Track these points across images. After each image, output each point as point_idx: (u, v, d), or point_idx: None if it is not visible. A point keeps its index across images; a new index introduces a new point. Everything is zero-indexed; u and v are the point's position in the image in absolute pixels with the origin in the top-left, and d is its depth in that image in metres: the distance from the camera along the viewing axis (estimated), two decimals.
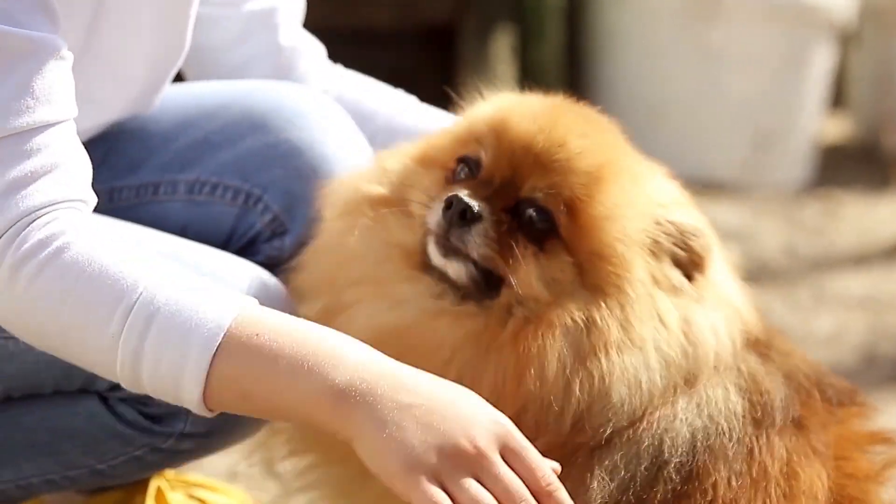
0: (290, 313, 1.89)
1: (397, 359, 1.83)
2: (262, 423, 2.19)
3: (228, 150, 2.36)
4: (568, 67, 6.14)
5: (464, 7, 5.95)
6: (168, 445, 2.18)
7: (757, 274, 4.91)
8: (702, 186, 5.63)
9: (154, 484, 2.55)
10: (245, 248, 2.34)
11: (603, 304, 1.95)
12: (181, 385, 1.79)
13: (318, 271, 2.13)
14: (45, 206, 1.86)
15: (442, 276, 2.01)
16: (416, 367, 1.83)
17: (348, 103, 2.52)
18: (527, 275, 1.97)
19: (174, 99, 2.46)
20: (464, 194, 1.97)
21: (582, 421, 1.92)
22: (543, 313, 1.95)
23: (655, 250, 2.00)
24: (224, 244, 2.33)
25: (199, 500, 2.65)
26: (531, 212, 1.99)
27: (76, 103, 1.95)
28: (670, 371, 1.96)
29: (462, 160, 2.07)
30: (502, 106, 2.10)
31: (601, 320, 1.94)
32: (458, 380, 1.86)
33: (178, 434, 2.17)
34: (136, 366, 1.81)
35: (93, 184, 2.00)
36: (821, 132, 6.37)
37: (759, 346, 2.07)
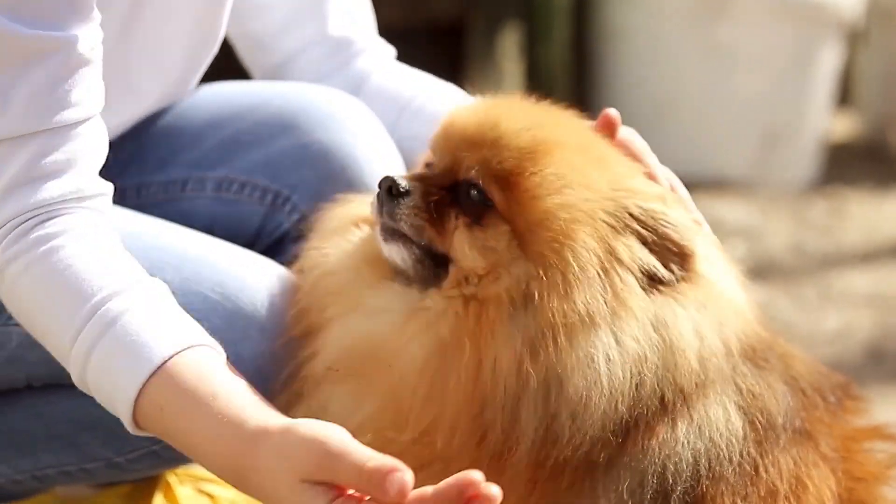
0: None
1: (375, 375, 1.90)
2: None
3: (258, 149, 2.38)
4: (575, 65, 6.15)
5: (471, 5, 5.95)
6: None
7: (764, 271, 4.92)
8: (709, 184, 5.66)
9: (163, 478, 2.56)
10: (272, 247, 2.35)
11: (542, 273, 1.88)
12: (116, 408, 1.86)
13: (303, 291, 2.13)
14: (50, 205, 1.90)
15: (407, 279, 2.00)
16: (392, 380, 1.89)
17: (389, 91, 2.51)
18: (460, 244, 1.95)
19: (207, 97, 2.48)
20: (394, 174, 1.99)
21: (549, 427, 1.85)
22: (484, 287, 1.92)
23: (616, 225, 1.92)
24: (251, 243, 2.34)
25: (208, 494, 2.66)
26: (468, 190, 1.97)
27: (117, 94, 1.98)
28: (641, 368, 1.86)
29: (426, 166, 2.09)
30: (452, 111, 2.10)
31: (540, 291, 1.87)
32: (431, 387, 1.88)
33: None
34: (83, 373, 1.87)
35: (122, 179, 2.00)
36: (828, 130, 6.37)
37: (758, 354, 1.99)
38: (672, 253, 1.93)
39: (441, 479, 1.82)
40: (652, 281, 1.91)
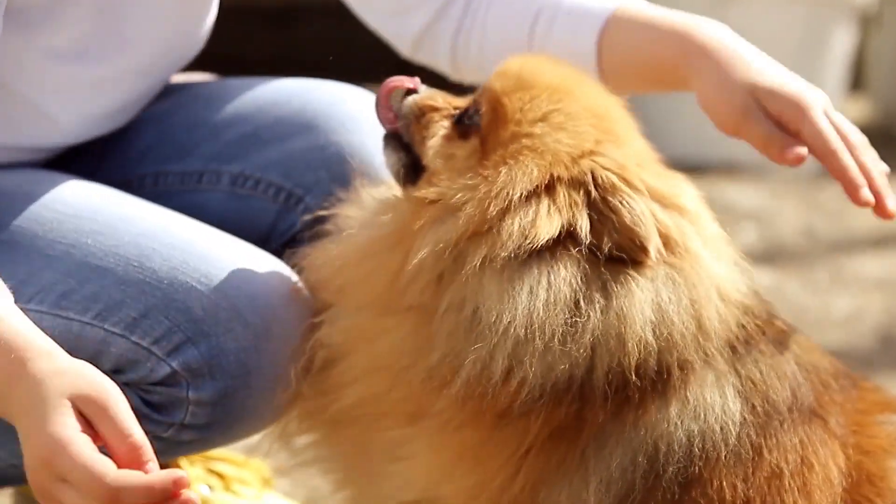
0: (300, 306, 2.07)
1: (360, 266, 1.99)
2: (267, 422, 2.19)
3: (276, 147, 2.37)
4: None
5: None
6: (169, 435, 2.16)
7: (775, 255, 4.92)
8: (720, 168, 5.65)
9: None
10: (285, 246, 2.34)
11: (473, 183, 1.92)
12: None
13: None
14: None
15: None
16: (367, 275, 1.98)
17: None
18: (431, 147, 2.01)
19: (231, 91, 2.47)
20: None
21: (487, 364, 1.86)
22: (432, 191, 1.96)
23: (574, 176, 1.91)
24: (263, 241, 2.33)
25: (218, 473, 2.66)
26: (472, 111, 2.03)
27: (110, 43, 2.03)
28: (577, 320, 1.85)
29: None
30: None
31: (465, 200, 1.91)
32: (359, 268, 1.99)
33: (179, 424, 2.14)
34: None
35: (141, 167, 2.07)
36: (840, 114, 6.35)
37: (760, 337, 1.96)
38: (614, 230, 1.89)
39: (426, 436, 1.91)
40: (571, 238, 1.89)
